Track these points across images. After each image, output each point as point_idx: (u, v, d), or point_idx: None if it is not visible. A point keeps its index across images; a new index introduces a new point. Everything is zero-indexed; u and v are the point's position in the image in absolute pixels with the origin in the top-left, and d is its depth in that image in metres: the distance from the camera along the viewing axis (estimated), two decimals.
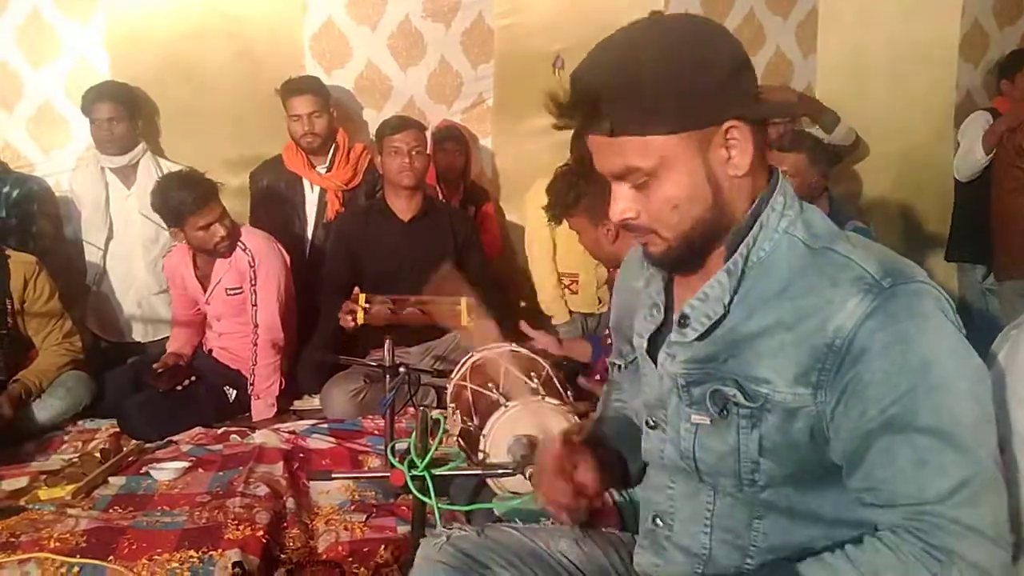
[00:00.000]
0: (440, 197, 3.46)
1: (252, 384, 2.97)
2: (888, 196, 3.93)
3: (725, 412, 1.03)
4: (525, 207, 3.54)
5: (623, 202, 1.03)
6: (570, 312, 3.43)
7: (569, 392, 2.23)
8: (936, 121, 3.87)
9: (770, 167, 1.07)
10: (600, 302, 3.34)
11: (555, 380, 2.15)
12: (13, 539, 1.93)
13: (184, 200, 2.80)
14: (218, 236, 2.85)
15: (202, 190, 2.83)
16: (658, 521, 1.17)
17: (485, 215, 3.63)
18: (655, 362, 1.13)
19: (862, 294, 0.95)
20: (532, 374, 2.12)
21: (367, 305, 2.87)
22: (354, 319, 2.85)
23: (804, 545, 1.04)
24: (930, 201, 3.91)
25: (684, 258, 1.06)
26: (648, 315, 1.16)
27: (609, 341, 1.43)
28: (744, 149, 1.00)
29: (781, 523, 1.05)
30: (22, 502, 2.16)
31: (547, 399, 1.99)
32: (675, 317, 1.09)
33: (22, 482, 2.30)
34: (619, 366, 1.31)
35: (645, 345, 1.15)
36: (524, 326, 2.58)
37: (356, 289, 2.93)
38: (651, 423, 1.16)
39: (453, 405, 2.23)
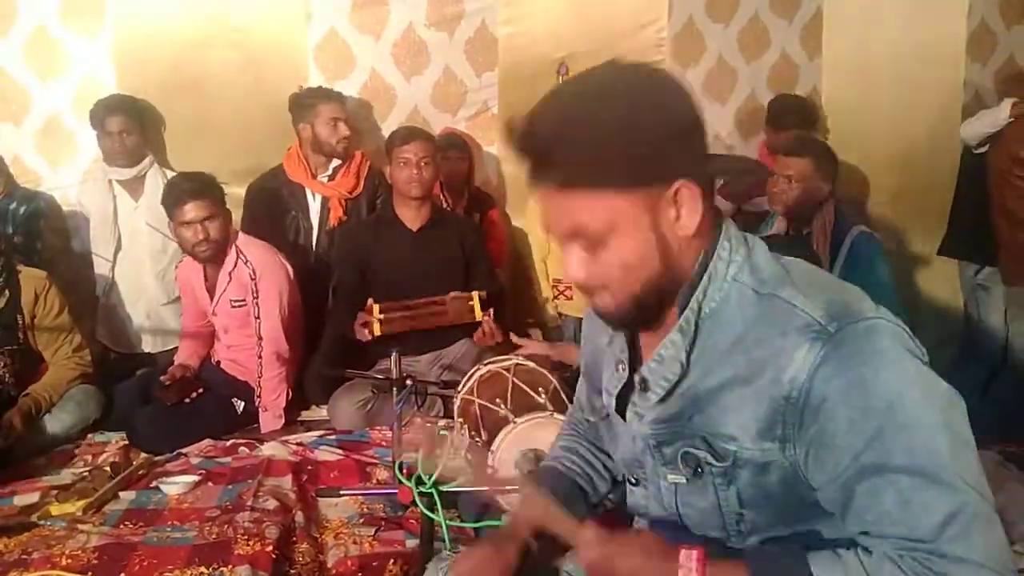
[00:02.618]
0: (445, 204, 3.47)
1: (259, 396, 2.98)
2: (894, 197, 3.91)
3: (700, 471, 1.03)
4: (527, 212, 3.59)
5: (575, 266, 1.02)
6: (560, 315, 3.46)
7: None
8: (943, 121, 3.85)
9: (717, 210, 1.05)
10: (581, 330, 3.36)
11: (562, 394, 2.16)
12: (26, 556, 1.95)
13: (175, 188, 2.84)
14: (200, 236, 2.83)
15: (198, 185, 2.84)
16: None
17: (491, 222, 3.64)
18: (623, 417, 1.13)
19: (809, 343, 0.93)
20: (540, 388, 2.13)
21: (382, 316, 2.88)
22: (371, 331, 2.86)
23: None
24: (936, 201, 3.89)
25: (633, 317, 1.05)
26: (614, 373, 1.15)
27: None
28: (693, 208, 0.98)
29: None
30: (34, 518, 2.18)
31: (555, 415, 1.99)
32: (636, 378, 1.09)
33: (33, 498, 2.31)
34: (592, 421, 1.31)
35: (614, 404, 1.15)
36: (513, 336, 2.59)
37: (370, 301, 2.94)
38: (632, 480, 1.16)
39: (461, 420, 2.24)
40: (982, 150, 3.43)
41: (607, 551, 1.01)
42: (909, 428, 0.90)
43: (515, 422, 1.99)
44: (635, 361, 1.13)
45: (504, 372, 2.22)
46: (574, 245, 1.01)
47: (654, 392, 1.05)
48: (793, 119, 3.52)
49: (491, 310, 2.94)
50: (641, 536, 1.03)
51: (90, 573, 1.85)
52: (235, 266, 2.95)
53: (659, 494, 1.10)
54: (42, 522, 2.15)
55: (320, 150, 3.33)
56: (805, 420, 0.94)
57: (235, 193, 3.35)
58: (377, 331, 2.87)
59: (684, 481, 1.05)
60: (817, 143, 3.02)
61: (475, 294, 2.95)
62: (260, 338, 2.96)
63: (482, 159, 3.75)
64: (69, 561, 1.91)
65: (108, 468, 2.48)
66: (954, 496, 0.89)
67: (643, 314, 1.04)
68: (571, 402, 2.19)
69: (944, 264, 3.81)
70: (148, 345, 3.44)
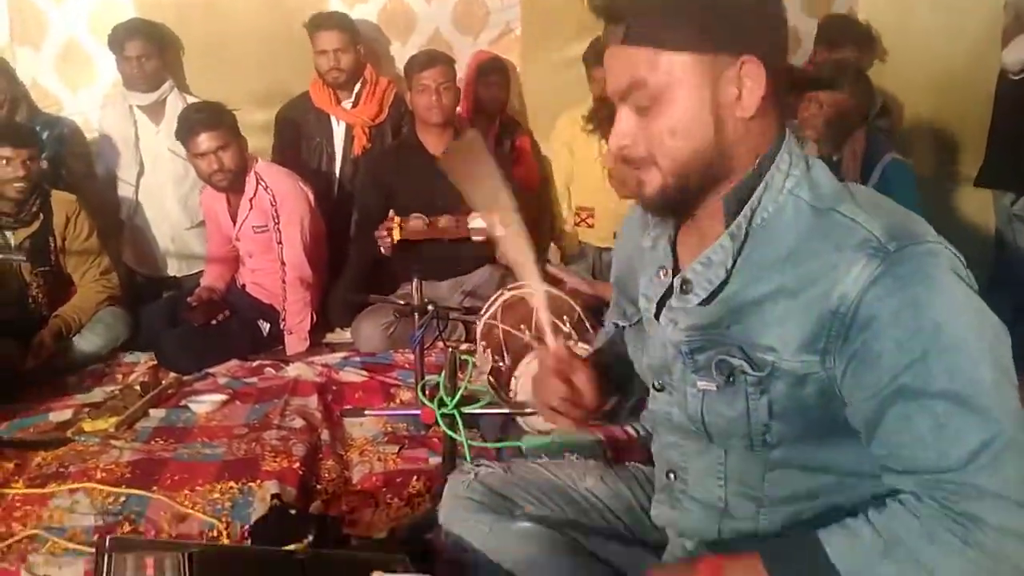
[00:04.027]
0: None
1: (284, 319, 3.02)
2: (929, 122, 3.80)
3: (732, 379, 1.02)
4: (551, 139, 3.53)
5: (624, 127, 1.01)
6: (581, 244, 3.42)
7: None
8: (981, 44, 3.70)
9: (782, 122, 1.03)
10: (616, 237, 3.31)
11: (586, 323, 2.16)
12: (63, 469, 2.02)
13: (187, 121, 2.83)
14: (215, 167, 2.84)
15: (209, 115, 2.83)
16: (671, 475, 1.18)
17: (521, 150, 3.58)
18: (659, 322, 1.12)
19: (867, 259, 0.91)
20: (564, 317, 2.13)
21: (401, 224, 2.89)
22: (390, 236, 2.87)
23: (819, 494, 1.04)
24: (972, 127, 3.78)
25: (679, 200, 1.03)
26: (655, 277, 1.14)
27: None
28: (755, 90, 0.96)
29: (795, 475, 1.05)
30: (68, 433, 2.25)
31: (579, 343, 2.00)
32: (676, 280, 1.08)
33: (67, 414, 2.38)
34: (623, 327, 1.30)
35: (653, 309, 1.14)
36: (552, 268, 2.58)
37: (391, 212, 2.94)
38: (657, 386, 1.16)
39: (484, 343, 2.25)
40: (1022, 76, 3.31)
41: None
42: (954, 353, 0.89)
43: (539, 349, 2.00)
44: (676, 268, 1.11)
45: (528, 298, 2.22)
46: (627, 108, 1.00)
47: (695, 294, 1.04)
48: (847, 41, 3.39)
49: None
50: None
51: (124, 486, 1.92)
52: (255, 193, 2.96)
53: (684, 401, 1.09)
54: (76, 438, 2.22)
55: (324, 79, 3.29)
56: (850, 336, 0.93)
57: (255, 118, 3.33)
58: (397, 236, 2.87)
59: (714, 388, 1.04)
60: (851, 68, 2.93)
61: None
62: (283, 263, 2.98)
63: (516, 83, 3.67)
64: (104, 475, 1.98)
65: (138, 387, 2.54)
66: (989, 425, 0.88)
67: (686, 196, 1.02)
68: (594, 330, 2.21)
69: (978, 193, 3.72)
70: (173, 269, 3.47)
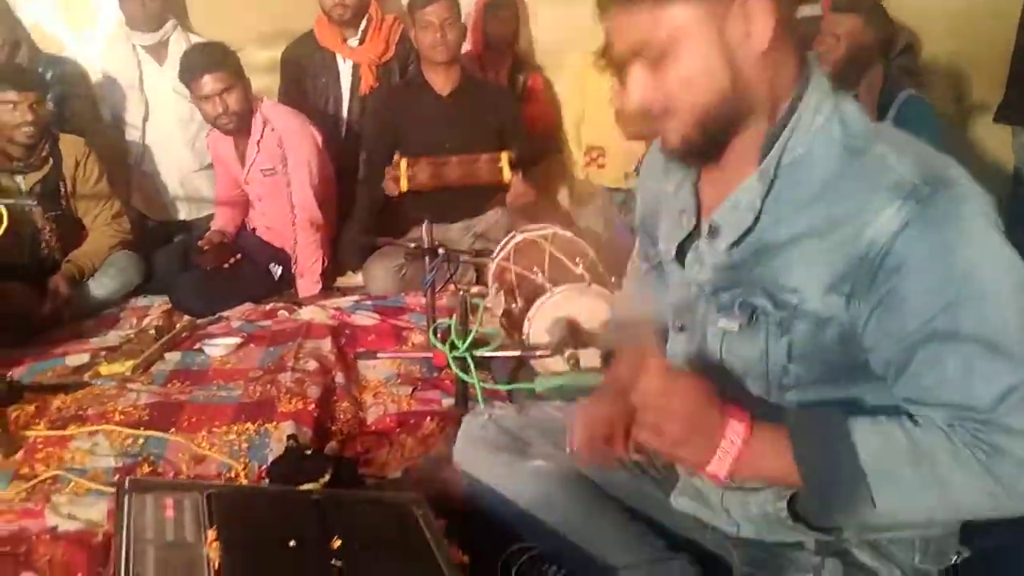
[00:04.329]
0: (483, 68, 3.36)
1: (295, 262, 3.02)
2: (948, 57, 3.71)
3: (754, 319, 1.02)
4: (562, 77, 3.46)
5: (637, 86, 0.99)
6: (592, 188, 3.36)
7: (613, 277, 2.23)
8: None
9: (803, 56, 1.01)
10: (627, 177, 3.24)
11: (599, 266, 2.15)
12: (81, 412, 2.05)
13: (190, 63, 2.79)
14: (219, 109, 2.81)
15: (211, 57, 2.79)
16: None
17: (533, 89, 3.51)
18: (682, 266, 1.12)
19: (900, 201, 0.90)
20: (577, 258, 2.12)
21: (410, 170, 2.86)
22: (398, 184, 2.85)
23: None
24: (991, 63, 3.68)
25: (702, 147, 1.01)
26: (677, 221, 1.13)
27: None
28: (764, 22, 0.94)
29: None
30: (85, 377, 2.27)
31: (592, 285, 1.99)
32: (704, 224, 1.06)
33: (84, 358, 2.41)
34: (645, 268, 1.30)
35: (674, 252, 1.13)
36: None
37: (397, 155, 2.91)
38: (678, 326, 1.16)
39: (496, 285, 2.25)
40: None
41: (669, 387, 0.98)
42: (984, 298, 0.89)
43: (552, 291, 2.00)
44: (699, 209, 1.11)
45: (541, 241, 2.21)
46: (637, 66, 0.99)
47: (724, 239, 1.03)
48: None
49: (520, 171, 2.89)
50: (703, 383, 1.00)
51: (142, 428, 1.95)
52: (262, 135, 2.93)
53: (704, 342, 1.09)
54: (94, 381, 2.25)
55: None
56: (878, 280, 0.92)
57: (260, 58, 3.28)
58: (404, 185, 2.85)
59: (735, 328, 1.04)
60: (869, 0, 2.84)
61: (504, 155, 2.90)
62: (293, 206, 2.97)
63: (527, 18, 3.57)
64: (122, 417, 2.01)
65: (153, 331, 2.56)
66: (1018, 370, 0.88)
67: (709, 142, 1.01)
68: (609, 273, 2.20)
69: (997, 130, 3.65)
70: (183, 212, 3.47)
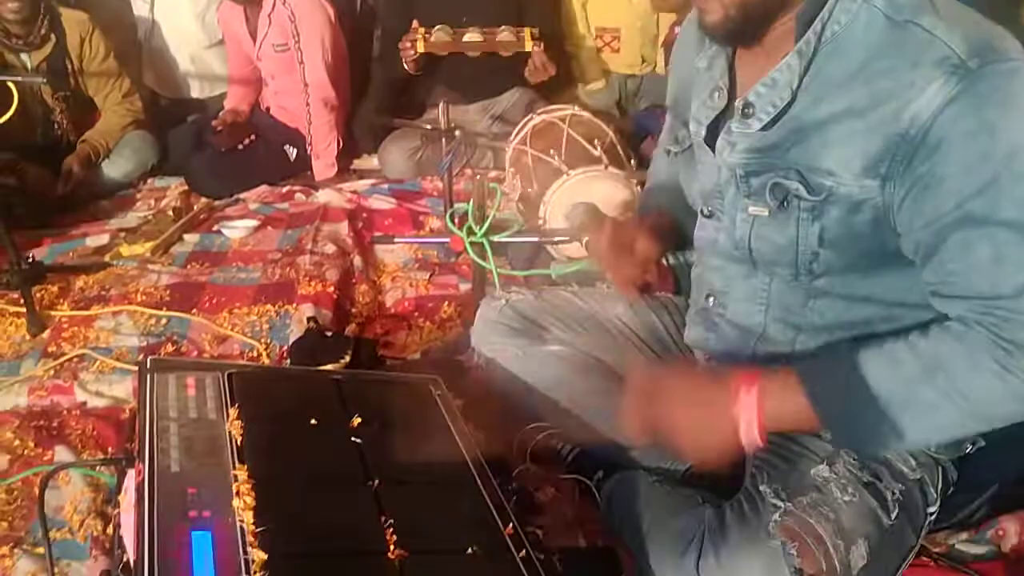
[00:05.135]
0: None
1: (310, 144, 2.98)
2: None
3: (785, 204, 0.99)
4: None
5: None
6: (607, 73, 3.14)
7: (632, 160, 2.18)
8: None
9: None
10: (644, 61, 3.07)
11: (618, 147, 2.09)
12: (104, 292, 2.09)
13: None
14: None
15: None
16: (711, 299, 1.17)
17: None
18: (713, 149, 1.08)
19: (945, 77, 0.85)
20: (595, 140, 2.06)
21: (427, 35, 2.76)
22: (414, 48, 2.76)
23: (861, 323, 1.04)
24: None
25: (742, 27, 0.97)
26: (708, 99, 1.08)
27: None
28: None
29: (838, 304, 1.04)
30: (106, 258, 2.30)
31: (610, 168, 1.95)
32: (737, 103, 1.02)
33: (103, 239, 2.42)
34: (674, 152, 1.26)
35: (704, 133, 1.09)
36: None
37: (415, 22, 2.81)
38: (706, 212, 1.13)
39: (512, 169, 2.21)
40: None
41: (656, 376, 1.01)
42: None
43: (568, 174, 1.96)
44: (733, 89, 1.06)
45: (559, 122, 2.15)
46: None
47: (758, 119, 0.99)
48: None
49: (541, 43, 2.77)
50: (690, 371, 1.03)
51: (164, 309, 1.98)
52: (273, 8, 2.83)
53: (733, 227, 1.07)
54: (114, 262, 2.27)
55: None
56: (916, 159, 0.88)
57: None
58: (421, 48, 2.75)
59: (766, 214, 1.02)
60: None
61: (526, 29, 2.79)
62: (306, 84, 2.90)
63: None
64: (144, 297, 2.04)
65: (171, 212, 2.56)
66: None
67: (750, 22, 0.96)
68: (628, 157, 2.15)
69: None
70: (196, 90, 3.39)
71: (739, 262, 1.10)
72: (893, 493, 1.05)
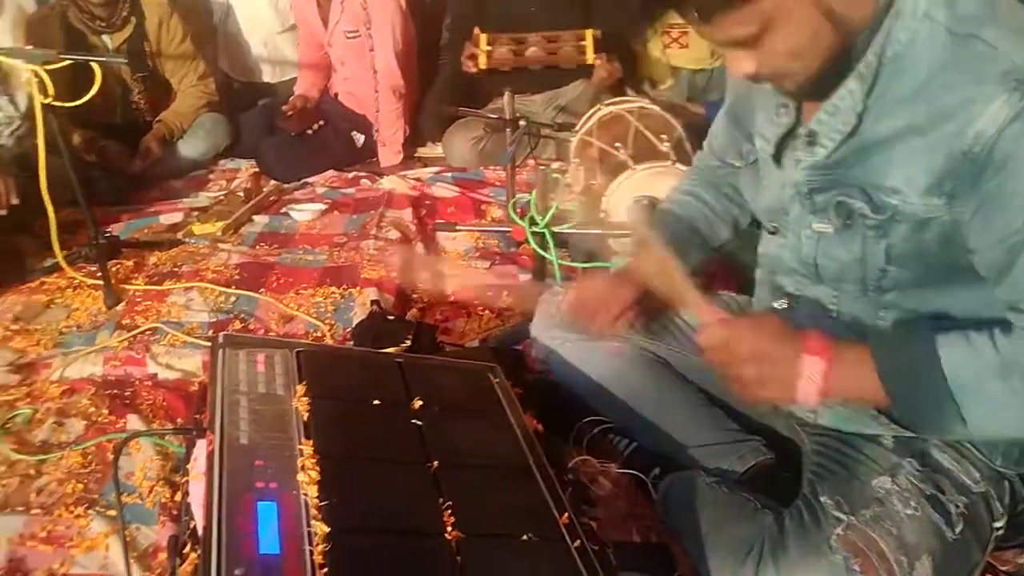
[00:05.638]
0: None
1: (377, 131, 3.02)
2: None
3: (850, 222, 0.97)
4: None
5: (742, 63, 0.92)
6: (673, 70, 3.11)
7: None
8: None
9: None
10: (714, 55, 3.02)
11: (686, 143, 2.07)
12: (176, 269, 2.16)
13: None
14: None
15: None
16: (781, 301, 1.15)
17: None
18: (779, 164, 1.06)
19: (1008, 93, 0.82)
20: (663, 136, 2.04)
21: (489, 48, 2.78)
22: (476, 63, 2.78)
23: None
24: None
25: (818, 89, 0.96)
26: (775, 116, 1.06)
27: None
28: None
29: (907, 319, 1.02)
30: (179, 235, 2.37)
31: (677, 164, 1.93)
32: (801, 131, 1.01)
33: (177, 217, 2.51)
34: (730, 166, 1.24)
35: (772, 150, 1.07)
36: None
37: (476, 30, 2.82)
38: (771, 228, 1.12)
39: (577, 160, 2.20)
40: None
41: (729, 333, 0.99)
42: None
43: (634, 168, 1.95)
44: (799, 105, 1.05)
45: (626, 115, 2.13)
46: (737, 49, 0.92)
47: (822, 146, 0.98)
48: None
49: (603, 54, 2.76)
50: (767, 319, 1.00)
51: (233, 287, 2.03)
52: None
53: (798, 244, 1.06)
54: (187, 240, 2.34)
55: None
56: (982, 177, 0.86)
57: None
58: (483, 63, 2.77)
59: (831, 231, 1.01)
60: None
61: (588, 33, 2.77)
62: (375, 72, 2.94)
63: None
64: (214, 275, 2.10)
65: (241, 193, 2.63)
66: None
67: (826, 82, 0.95)
68: (694, 151, 2.12)
69: None
70: (267, 75, 3.47)
71: (806, 278, 1.09)
72: (957, 506, 1.02)
